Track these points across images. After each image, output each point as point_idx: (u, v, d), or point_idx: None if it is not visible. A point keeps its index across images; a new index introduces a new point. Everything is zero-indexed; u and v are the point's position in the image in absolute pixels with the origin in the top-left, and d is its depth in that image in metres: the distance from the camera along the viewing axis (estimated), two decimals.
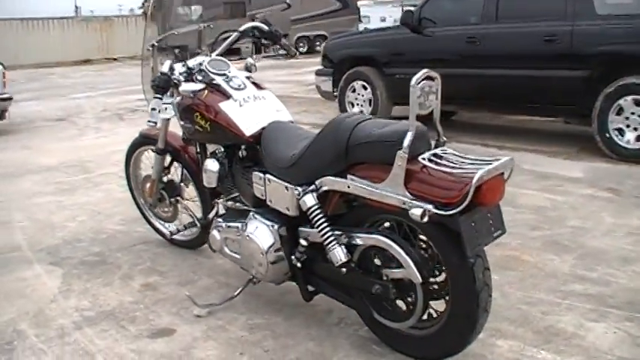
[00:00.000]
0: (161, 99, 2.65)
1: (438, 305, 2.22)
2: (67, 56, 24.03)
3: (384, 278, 2.19)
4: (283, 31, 21.21)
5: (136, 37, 24.80)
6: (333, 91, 7.35)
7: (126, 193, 3.84)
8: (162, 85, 2.63)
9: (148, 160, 3.60)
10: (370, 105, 6.98)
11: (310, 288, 2.51)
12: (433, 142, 2.13)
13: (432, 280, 2.17)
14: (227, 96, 2.69)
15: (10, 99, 8.32)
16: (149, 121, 2.68)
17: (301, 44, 21.85)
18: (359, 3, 22.79)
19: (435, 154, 2.02)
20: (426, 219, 1.92)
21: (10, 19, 23.49)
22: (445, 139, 2.13)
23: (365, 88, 6.99)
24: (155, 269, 3.29)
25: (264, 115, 2.66)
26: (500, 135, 6.41)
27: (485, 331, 2.45)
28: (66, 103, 11.37)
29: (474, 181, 1.82)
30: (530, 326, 2.52)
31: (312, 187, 2.29)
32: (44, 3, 27.73)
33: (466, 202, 1.84)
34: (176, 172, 3.40)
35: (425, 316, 2.24)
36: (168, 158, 3.34)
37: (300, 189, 2.31)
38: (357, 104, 7.12)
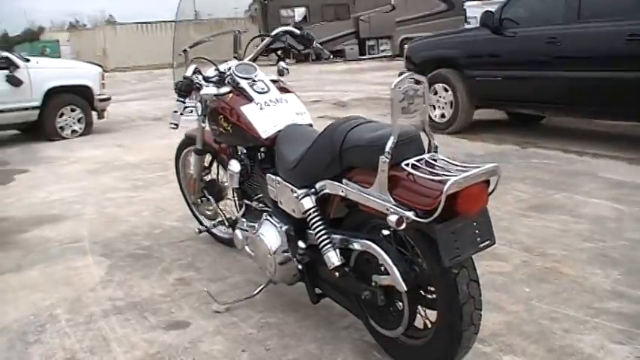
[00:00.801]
0: (183, 102, 2.77)
1: (433, 316, 2.17)
2: (169, 58, 25.40)
3: (373, 284, 2.17)
4: (388, 33, 21.24)
5: (244, 39, 25.83)
6: None
7: None
8: (184, 89, 2.75)
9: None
10: (451, 108, 6.84)
11: (318, 290, 2.53)
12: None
13: (423, 289, 2.12)
14: (249, 99, 2.77)
15: (108, 99, 8.98)
16: (171, 123, 2.82)
17: (406, 46, 21.69)
18: (466, 4, 22.28)
19: (421, 160, 1.97)
20: (402, 226, 1.89)
21: (126, 24, 25.27)
22: (437, 144, 2.07)
23: (446, 90, 6.85)
24: (193, 265, 3.44)
25: (283, 119, 2.71)
26: (582, 140, 6.04)
27: (494, 344, 2.39)
28: (167, 103, 12.01)
29: (445, 188, 1.76)
30: (545, 343, 2.38)
31: (312, 190, 2.32)
32: (162, 7, 29.40)
33: (439, 210, 1.79)
34: (217, 172, 3.54)
35: (421, 326, 2.20)
36: (208, 158, 3.48)
37: (299, 191, 2.35)
38: (439, 107, 7.00)
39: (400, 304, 2.15)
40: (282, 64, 3.13)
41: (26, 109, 8.13)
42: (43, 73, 8.29)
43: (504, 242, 3.42)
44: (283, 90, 2.90)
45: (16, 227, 4.36)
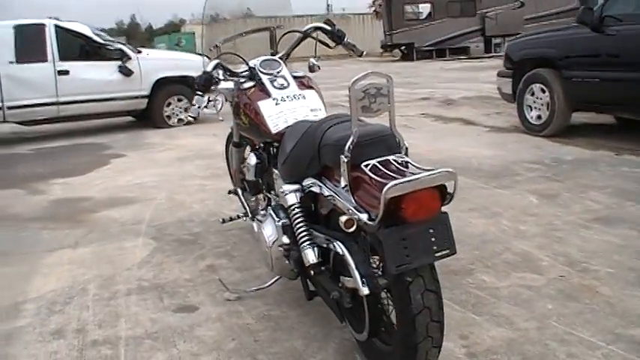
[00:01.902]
0: (202, 96, 2.88)
1: None
2: (303, 52, 25.92)
3: (340, 285, 2.15)
4: (515, 31, 20.39)
5: (371, 35, 26.01)
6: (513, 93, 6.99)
7: None
8: (204, 83, 2.86)
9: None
10: (547, 109, 6.47)
11: (312, 287, 2.54)
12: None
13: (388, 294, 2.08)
14: (268, 95, 2.83)
15: None
16: (189, 116, 2.93)
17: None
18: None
19: (384, 161, 1.92)
20: (352, 228, 1.87)
21: (249, 17, 26.25)
22: (407, 145, 2.01)
23: (543, 91, 6.50)
24: (229, 253, 3.57)
25: (295, 114, 2.74)
26: None
27: None
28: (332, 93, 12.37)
29: (384, 191, 1.72)
30: None
31: (297, 186, 2.34)
32: (295, 1, 30.18)
33: (381, 214, 1.75)
34: None
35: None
36: (248, 150, 3.59)
37: (285, 187, 2.38)
38: (535, 108, 6.65)
39: (363, 307, 2.11)
40: (312, 60, 3.17)
41: (136, 97, 8.79)
42: (152, 64, 8.91)
43: (549, 254, 3.23)
44: (304, 86, 2.93)
45: (92, 207, 4.76)
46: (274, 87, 2.86)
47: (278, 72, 2.94)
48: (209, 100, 3.02)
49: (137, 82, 8.71)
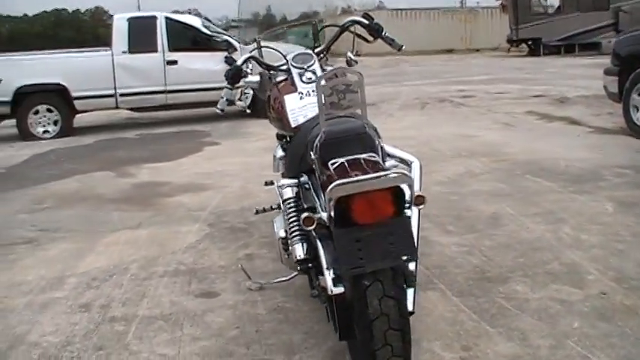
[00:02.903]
0: (231, 89, 2.94)
1: None
2: (430, 45, 25.59)
3: (317, 284, 2.14)
4: None
5: (499, 29, 25.02)
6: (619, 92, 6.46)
7: None
8: (232, 76, 2.92)
9: None
10: None
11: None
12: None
13: None
14: (295, 88, 2.86)
15: None
16: (217, 108, 3.02)
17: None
18: None
19: (353, 160, 1.88)
20: (311, 227, 1.86)
21: (396, 10, 26.18)
22: (382, 145, 1.95)
23: None
24: (272, 243, 3.64)
25: (316, 109, 2.75)
26: None
27: None
28: (393, 89, 12.39)
29: (327, 191, 1.69)
30: None
31: (293, 181, 2.36)
32: None
33: (328, 214, 1.73)
34: None
35: None
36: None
37: (282, 181, 2.40)
38: None
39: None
40: (349, 54, 3.14)
41: (240, 86, 9.09)
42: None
43: (600, 267, 2.98)
44: None
45: (167, 192, 5.05)
46: (302, 81, 2.87)
47: (309, 66, 2.94)
48: (242, 93, 3.09)
49: None
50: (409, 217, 1.81)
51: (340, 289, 1.96)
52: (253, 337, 2.52)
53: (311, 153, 2.09)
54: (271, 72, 3.04)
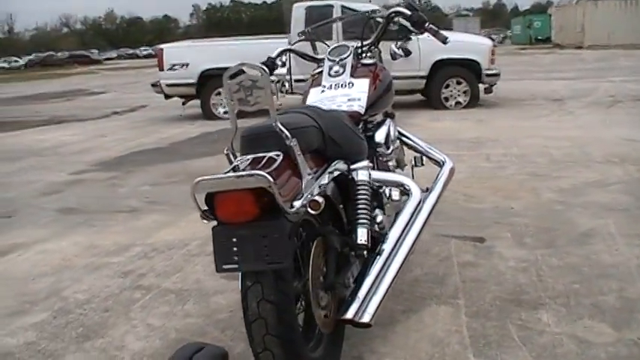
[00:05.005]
0: None
1: None
2: None
3: None
4: None
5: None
6: None
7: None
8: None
9: None
10: None
11: None
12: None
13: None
14: (320, 81, 2.86)
15: (497, 75, 9.10)
16: None
17: None
18: None
19: (255, 158, 1.84)
20: (205, 220, 1.87)
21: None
22: (290, 142, 1.86)
23: None
24: None
25: (331, 103, 2.70)
26: None
27: None
28: (592, 85, 11.34)
29: (190, 186, 1.70)
30: None
31: None
32: None
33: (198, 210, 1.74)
34: None
35: None
36: None
37: None
38: None
39: None
40: (393, 47, 3.04)
41: (414, 77, 9.05)
42: (432, 46, 8.98)
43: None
44: (362, 75, 2.83)
45: None
46: (329, 74, 2.85)
47: (342, 58, 2.89)
48: (282, 84, 3.13)
49: (416, 63, 8.95)
50: (289, 222, 1.73)
51: None
52: (235, 322, 2.58)
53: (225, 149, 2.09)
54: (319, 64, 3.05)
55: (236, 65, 1.84)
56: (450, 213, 3.92)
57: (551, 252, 3.15)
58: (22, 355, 2.42)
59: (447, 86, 9.13)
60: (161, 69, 9.66)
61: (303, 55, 3.13)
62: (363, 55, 3.05)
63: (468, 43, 9.36)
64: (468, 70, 9.01)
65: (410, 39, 3.14)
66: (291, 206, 1.73)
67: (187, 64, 9.31)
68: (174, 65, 9.57)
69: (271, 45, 9.30)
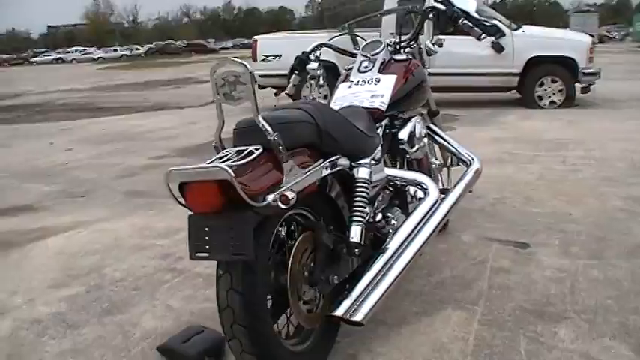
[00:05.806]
0: (299, 75, 2.99)
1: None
2: None
3: None
4: None
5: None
6: None
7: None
8: (298, 63, 2.98)
9: None
10: None
11: None
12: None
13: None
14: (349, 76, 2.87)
15: (595, 74, 8.60)
16: (286, 93, 3.10)
17: None
18: None
19: (239, 151, 1.87)
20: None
21: None
22: (272, 137, 1.87)
23: None
24: None
25: (355, 98, 2.70)
26: None
27: None
28: None
29: (163, 177, 1.76)
30: None
31: None
32: None
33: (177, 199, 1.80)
34: None
35: None
36: None
37: None
38: None
39: None
40: (428, 43, 2.98)
41: (506, 74, 8.74)
42: (526, 42, 8.66)
43: None
44: (391, 71, 2.79)
45: None
46: (358, 70, 2.85)
47: (374, 54, 2.87)
48: (322, 79, 3.14)
49: (509, 59, 8.64)
50: (256, 215, 1.75)
51: None
52: None
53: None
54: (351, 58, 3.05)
55: (221, 60, 1.88)
56: (503, 215, 3.79)
57: (594, 263, 2.97)
58: (47, 322, 2.61)
59: (542, 84, 8.73)
60: (254, 60, 9.91)
61: (339, 50, 3.13)
62: (401, 51, 3.01)
63: (564, 40, 8.92)
64: (563, 68, 8.57)
65: (503, 34, 3.08)
66: (264, 199, 1.75)
67: (280, 56, 9.48)
68: (267, 56, 9.80)
69: (358, 39, 9.36)
